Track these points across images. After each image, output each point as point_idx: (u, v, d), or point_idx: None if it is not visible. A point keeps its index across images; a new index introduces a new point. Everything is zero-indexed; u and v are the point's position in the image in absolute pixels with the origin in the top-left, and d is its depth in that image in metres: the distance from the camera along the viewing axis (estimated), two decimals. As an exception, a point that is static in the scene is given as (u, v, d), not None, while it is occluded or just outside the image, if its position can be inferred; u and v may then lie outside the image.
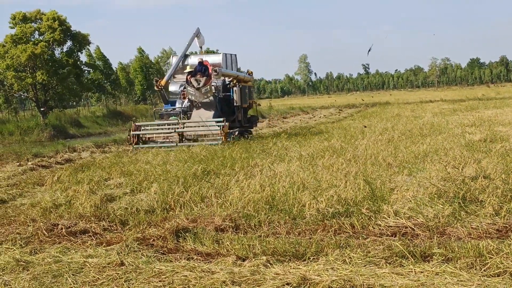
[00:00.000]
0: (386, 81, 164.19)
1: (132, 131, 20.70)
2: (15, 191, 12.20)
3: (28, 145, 23.53)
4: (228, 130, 20.11)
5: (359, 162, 12.64)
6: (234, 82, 22.81)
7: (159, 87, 21.72)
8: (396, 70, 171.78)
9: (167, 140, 20.50)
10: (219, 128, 19.82)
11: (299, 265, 6.09)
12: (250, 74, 25.88)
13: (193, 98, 21.36)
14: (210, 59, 22.72)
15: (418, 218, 7.67)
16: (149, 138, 20.90)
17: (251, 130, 24.42)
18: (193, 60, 23.05)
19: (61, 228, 8.24)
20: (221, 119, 20.10)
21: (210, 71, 21.44)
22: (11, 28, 42.27)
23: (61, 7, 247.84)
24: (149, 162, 14.91)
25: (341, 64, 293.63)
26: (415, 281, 5.44)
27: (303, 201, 8.67)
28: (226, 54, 23.49)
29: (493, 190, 8.68)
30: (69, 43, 43.77)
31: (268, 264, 6.19)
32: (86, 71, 49.45)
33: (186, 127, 20.50)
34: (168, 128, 20.72)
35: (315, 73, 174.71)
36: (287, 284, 5.54)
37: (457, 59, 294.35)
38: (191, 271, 6.02)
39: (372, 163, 12.38)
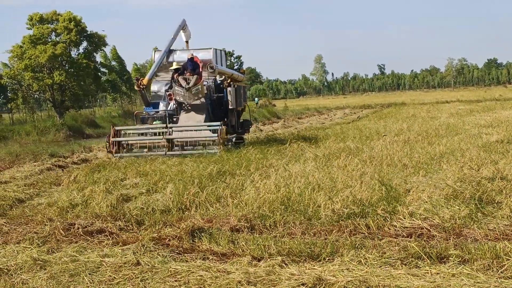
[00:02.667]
0: (402, 82, 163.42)
1: (112, 137, 17.58)
2: (32, 190, 12.29)
3: (44, 145, 23.68)
4: (226, 136, 17.46)
5: (374, 162, 12.61)
6: (228, 81, 20.10)
7: (141, 86, 18.67)
8: (412, 70, 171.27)
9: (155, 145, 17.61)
10: (215, 133, 17.11)
11: (314, 266, 6.09)
12: (243, 73, 23.29)
13: (181, 99, 18.41)
14: (200, 55, 19.44)
15: (434, 219, 7.63)
16: (132, 145, 17.98)
17: (243, 136, 21.18)
18: (179, 56, 20.03)
19: (78, 228, 8.29)
20: (218, 123, 17.42)
21: (201, 69, 18.70)
22: (28, 29, 42.67)
23: (75, 7, 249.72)
24: (164, 162, 14.96)
25: (356, 65, 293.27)
26: (431, 282, 5.41)
27: (319, 202, 8.66)
28: (216, 49, 20.45)
29: (510, 191, 8.63)
30: (85, 43, 44.10)
31: (284, 265, 6.18)
32: (102, 72, 49.76)
33: (175, 132, 17.66)
34: (154, 134, 17.90)
35: (332, 73, 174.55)
36: (303, 284, 5.54)
37: (474, 59, 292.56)
38: (206, 271, 6.04)
39: (388, 164, 12.34)
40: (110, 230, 8.19)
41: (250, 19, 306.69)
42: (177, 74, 18.57)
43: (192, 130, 17.70)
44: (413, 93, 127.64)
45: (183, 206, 9.42)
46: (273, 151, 15.99)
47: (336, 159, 13.34)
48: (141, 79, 18.81)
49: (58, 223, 8.58)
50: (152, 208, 9.37)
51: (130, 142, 17.81)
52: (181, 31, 21.38)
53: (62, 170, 16.03)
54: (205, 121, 18.16)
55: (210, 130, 17.41)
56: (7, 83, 44.06)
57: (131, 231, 8.23)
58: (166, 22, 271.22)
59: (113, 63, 62.21)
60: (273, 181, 10.32)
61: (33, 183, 13.37)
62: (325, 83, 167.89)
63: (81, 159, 18.43)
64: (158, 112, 18.89)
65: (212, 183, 10.72)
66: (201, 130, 17.62)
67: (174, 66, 18.93)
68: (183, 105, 18.65)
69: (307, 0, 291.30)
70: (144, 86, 18.79)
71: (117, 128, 18.07)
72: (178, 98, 18.43)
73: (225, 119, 19.17)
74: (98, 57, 52.06)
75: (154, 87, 20.04)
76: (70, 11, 42.94)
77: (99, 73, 46.26)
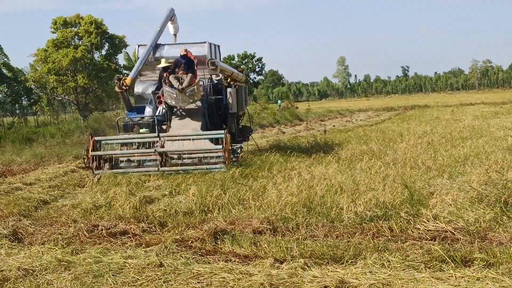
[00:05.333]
0: (424, 83, 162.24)
1: (91, 150, 14.20)
2: (56, 192, 12.42)
3: (69, 147, 23.89)
4: (231, 146, 14.55)
5: (398, 165, 12.53)
6: (228, 81, 17.14)
7: (123, 87, 15.43)
8: (436, 72, 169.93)
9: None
10: (218, 144, 13.90)
11: (337, 268, 6.06)
12: (241, 72, 20.04)
13: (173, 102, 15.34)
14: (192, 50, 16.23)
15: (458, 222, 7.56)
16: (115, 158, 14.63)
17: (242, 145, 17.44)
18: (168, 51, 16.99)
19: (101, 229, 8.36)
20: (222, 131, 14.27)
21: (196, 67, 15.72)
22: (52, 33, 43.15)
23: (97, 11, 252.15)
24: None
25: (380, 67, 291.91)
26: (455, 286, 5.36)
27: (341, 204, 8.63)
28: (211, 44, 17.22)
29: (536, 194, 8.48)
30: (107, 46, 44.45)
31: (306, 267, 6.17)
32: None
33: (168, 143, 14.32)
34: (142, 145, 14.79)
35: (355, 75, 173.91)
36: (325, 287, 5.53)
37: (499, 61, 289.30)
38: (229, 273, 6.04)
39: (411, 167, 12.26)
40: (133, 232, 8.25)
41: (272, 22, 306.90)
42: (166, 72, 15.60)
43: (188, 140, 14.43)
44: (437, 95, 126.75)
45: (205, 208, 9.45)
46: (296, 154, 15.95)
47: (359, 161, 13.29)
48: (123, 78, 15.68)
49: (82, 224, 8.67)
50: (175, 210, 9.41)
51: (115, 156, 14.57)
52: (169, 22, 18.31)
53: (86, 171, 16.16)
54: (201, 129, 15.21)
55: (211, 140, 14.27)
56: (31, 86, 44.60)
57: (154, 232, 8.28)
58: (187, 25, 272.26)
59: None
60: (296, 183, 10.31)
61: (58, 185, 13.48)
62: (348, 86, 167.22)
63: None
64: (143, 118, 15.77)
65: (235, 186, 10.73)
66: (199, 140, 14.38)
67: (163, 63, 15.97)
68: (175, 109, 15.77)
69: (330, 2, 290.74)
70: (127, 87, 15.69)
71: (96, 138, 14.73)
72: (169, 101, 15.37)
73: (226, 125, 16.21)
74: (122, 60, 52.51)
75: (138, 88, 16.86)
76: (90, 14, 43.36)
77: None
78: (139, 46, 17.46)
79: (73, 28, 43.05)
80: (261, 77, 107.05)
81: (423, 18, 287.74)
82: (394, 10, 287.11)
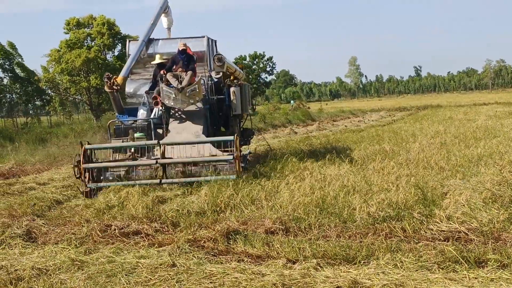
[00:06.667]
0: (438, 84, 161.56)
1: (82, 160, 12.03)
2: (70, 192, 12.49)
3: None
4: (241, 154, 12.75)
5: (410, 165, 12.48)
6: (231, 79, 15.40)
7: (114, 87, 13.94)
8: (449, 72, 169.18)
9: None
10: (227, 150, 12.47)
11: (349, 269, 6.06)
12: (241, 69, 18.40)
13: (171, 103, 13.51)
14: (190, 44, 14.51)
15: (472, 223, 7.52)
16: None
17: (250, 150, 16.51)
18: (162, 47, 15.47)
19: (114, 229, 8.39)
20: (232, 137, 12.41)
21: (195, 64, 14.17)
22: (66, 33, 43.39)
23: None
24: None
25: (392, 67, 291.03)
26: (469, 287, 5.34)
27: (354, 205, 8.61)
28: (209, 38, 15.59)
29: (551, 195, 8.42)
30: (119, 47, 44.61)
31: (319, 267, 6.17)
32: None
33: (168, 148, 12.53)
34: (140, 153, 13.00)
35: (365, 76, 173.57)
36: (338, 287, 5.52)
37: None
38: (241, 273, 6.05)
39: (424, 167, 12.21)
40: (146, 232, 8.27)
41: (283, 22, 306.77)
42: (163, 70, 13.82)
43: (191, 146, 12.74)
44: (450, 95, 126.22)
45: (218, 208, 9.46)
46: (308, 154, 15.93)
47: (372, 162, 13.25)
48: (114, 77, 14.10)
49: (95, 224, 8.71)
50: (188, 210, 9.42)
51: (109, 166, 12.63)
52: (163, 15, 16.45)
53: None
54: (203, 132, 13.51)
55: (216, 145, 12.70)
56: (44, 86, 44.90)
57: (166, 232, 8.31)
58: (199, 25, 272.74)
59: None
60: (308, 183, 10.30)
61: (71, 185, 13.55)
62: (360, 86, 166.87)
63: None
64: (136, 121, 13.99)
65: (247, 186, 10.73)
66: (204, 146, 12.69)
67: (158, 59, 14.44)
68: (172, 111, 13.96)
69: (342, 2, 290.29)
70: (119, 87, 14.14)
71: (87, 147, 12.39)
72: (167, 101, 13.52)
73: (228, 128, 15.09)
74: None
75: (129, 88, 15.15)
76: (103, 15, 43.54)
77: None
78: (129, 41, 16.26)
79: (85, 29, 43.27)
80: (273, 77, 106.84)
81: (435, 18, 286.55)
82: (406, 10, 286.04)
